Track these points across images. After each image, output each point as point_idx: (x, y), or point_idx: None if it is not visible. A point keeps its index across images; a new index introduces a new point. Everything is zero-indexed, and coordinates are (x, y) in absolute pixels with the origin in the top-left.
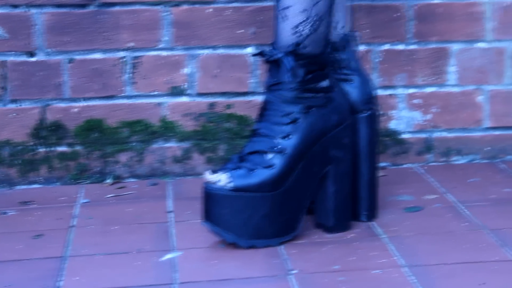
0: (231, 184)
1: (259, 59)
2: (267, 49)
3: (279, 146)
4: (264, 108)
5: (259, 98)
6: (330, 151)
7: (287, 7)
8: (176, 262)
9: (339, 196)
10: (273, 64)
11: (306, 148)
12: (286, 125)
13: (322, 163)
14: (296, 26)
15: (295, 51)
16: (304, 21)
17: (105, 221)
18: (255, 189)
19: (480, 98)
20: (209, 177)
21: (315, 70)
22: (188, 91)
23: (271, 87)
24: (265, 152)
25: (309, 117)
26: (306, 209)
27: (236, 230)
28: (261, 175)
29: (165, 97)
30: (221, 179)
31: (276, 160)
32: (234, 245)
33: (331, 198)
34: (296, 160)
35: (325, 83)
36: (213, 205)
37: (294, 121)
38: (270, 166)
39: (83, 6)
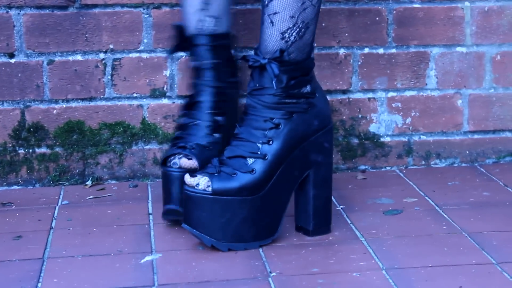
0: (210, 188)
1: (242, 63)
2: (251, 54)
3: (260, 152)
4: (245, 113)
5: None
6: (311, 155)
7: (275, 13)
8: (156, 264)
9: (319, 199)
10: (257, 69)
11: (287, 153)
12: (268, 130)
13: (303, 167)
14: (283, 32)
15: (280, 58)
16: (291, 27)
17: (85, 223)
18: (234, 193)
19: (459, 102)
20: (189, 180)
21: (298, 76)
22: (169, 93)
23: (253, 91)
24: (246, 157)
25: (291, 123)
26: (285, 212)
27: (215, 233)
28: (241, 179)
29: (145, 99)
30: (200, 182)
31: (256, 165)
32: (213, 248)
33: (311, 201)
34: (277, 165)
35: (307, 89)
36: (192, 207)
37: (275, 127)
38: (250, 171)
39: (63, 7)
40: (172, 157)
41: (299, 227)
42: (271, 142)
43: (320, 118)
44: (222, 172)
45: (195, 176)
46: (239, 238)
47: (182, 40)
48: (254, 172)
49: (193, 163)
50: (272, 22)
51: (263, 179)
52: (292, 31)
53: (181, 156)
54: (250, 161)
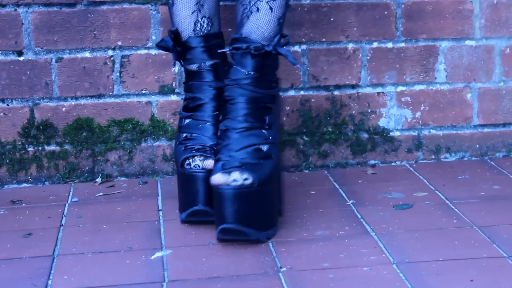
0: (249, 181)
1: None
2: (244, 41)
3: (270, 137)
4: (235, 103)
5: None
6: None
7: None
8: (166, 260)
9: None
10: (257, 57)
11: (279, 135)
12: (267, 116)
13: None
14: (279, 18)
15: (281, 43)
16: (284, 13)
17: (95, 220)
18: (269, 181)
19: (469, 96)
20: (222, 179)
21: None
22: (177, 90)
23: (245, 79)
24: (259, 144)
25: (274, 106)
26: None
27: (259, 224)
28: (268, 166)
29: (154, 96)
30: (236, 178)
31: (272, 151)
32: (223, 243)
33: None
34: (278, 148)
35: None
36: (236, 204)
37: (270, 111)
38: (270, 157)
39: (71, 5)
40: (190, 159)
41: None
42: (272, 127)
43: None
44: (245, 164)
45: (227, 173)
46: (272, 225)
47: (179, 45)
48: (273, 157)
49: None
50: (271, 8)
51: (278, 162)
52: (284, 17)
53: (202, 157)
54: (264, 147)
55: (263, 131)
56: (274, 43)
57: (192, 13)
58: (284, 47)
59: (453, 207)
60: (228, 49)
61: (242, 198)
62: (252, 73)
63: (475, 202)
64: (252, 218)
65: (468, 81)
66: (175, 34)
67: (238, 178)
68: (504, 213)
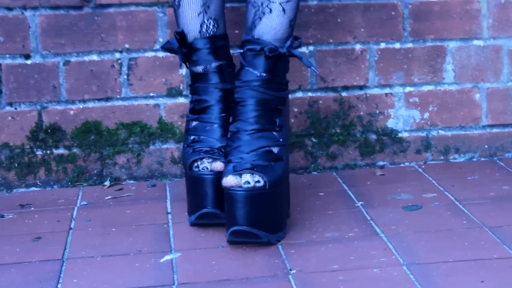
0: (261, 183)
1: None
2: (257, 43)
3: (280, 139)
4: (245, 105)
5: None
6: None
7: (288, 1)
8: (175, 263)
9: None
10: (270, 59)
11: (288, 137)
12: (278, 118)
13: None
14: (291, 20)
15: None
16: (295, 15)
17: (104, 223)
18: (280, 182)
19: (477, 96)
20: (233, 180)
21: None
22: (185, 92)
23: (257, 81)
24: (270, 146)
25: (284, 108)
26: None
27: (270, 227)
28: (279, 168)
29: (162, 98)
30: (248, 179)
31: (282, 153)
32: (232, 246)
33: None
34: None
35: None
36: (248, 206)
37: (281, 113)
38: (281, 159)
39: (78, 8)
40: (198, 161)
41: None
42: (282, 128)
43: None
44: (257, 166)
45: (238, 175)
46: (282, 227)
47: (185, 46)
48: (283, 159)
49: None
50: (284, 9)
51: (288, 164)
52: (295, 19)
53: (210, 160)
54: (275, 149)
55: (274, 133)
56: (287, 45)
57: (198, 14)
58: (297, 49)
59: (462, 208)
60: (241, 51)
61: (253, 200)
62: (264, 75)
63: (484, 203)
64: (264, 220)
65: (476, 81)
66: (181, 36)
67: (249, 180)
68: None
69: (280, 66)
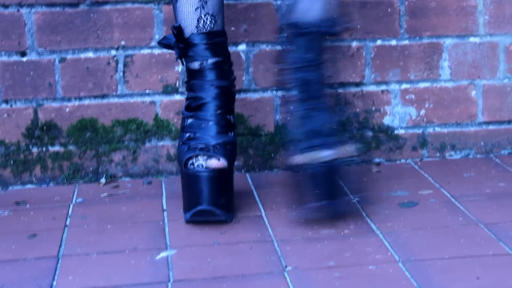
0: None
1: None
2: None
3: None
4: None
5: (253, 96)
6: None
7: None
8: (171, 260)
9: None
10: (315, 41)
11: None
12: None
13: None
14: (327, 3)
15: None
16: None
17: (99, 220)
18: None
19: (473, 93)
20: (297, 159)
21: None
22: (181, 89)
23: (313, 62)
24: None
25: None
26: None
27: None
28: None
29: (158, 96)
30: (323, 155)
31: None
32: (228, 242)
33: None
34: None
35: None
36: (325, 180)
37: None
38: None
39: (74, 5)
40: (194, 159)
41: None
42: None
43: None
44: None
45: (302, 153)
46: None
47: (182, 41)
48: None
49: (222, 163)
50: None
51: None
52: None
53: (205, 157)
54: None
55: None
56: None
57: (196, 9)
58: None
59: (458, 205)
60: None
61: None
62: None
63: (480, 200)
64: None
65: (472, 78)
66: (178, 30)
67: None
68: (510, 210)
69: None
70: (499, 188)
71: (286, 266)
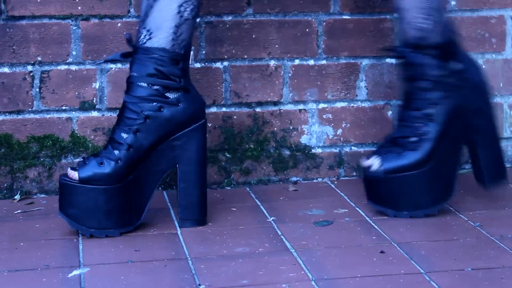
0: (382, 168)
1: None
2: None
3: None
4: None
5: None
6: (473, 121)
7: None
8: (83, 278)
9: (491, 157)
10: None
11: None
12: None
13: (465, 135)
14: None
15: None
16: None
17: (12, 238)
18: (405, 169)
19: (389, 113)
20: (365, 162)
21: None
22: (98, 106)
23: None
24: (410, 137)
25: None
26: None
27: (395, 205)
28: (408, 157)
29: (74, 112)
30: (374, 163)
31: (421, 143)
32: (142, 260)
33: (485, 160)
34: (438, 142)
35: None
36: (371, 187)
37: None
38: (414, 149)
39: None
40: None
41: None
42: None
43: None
44: (390, 153)
45: (371, 157)
46: (417, 206)
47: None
48: (419, 149)
49: (74, 174)
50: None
51: (428, 155)
52: None
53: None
54: (413, 139)
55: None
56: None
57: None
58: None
59: (372, 224)
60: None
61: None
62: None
63: (393, 219)
64: (384, 199)
65: (388, 99)
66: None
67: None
68: (422, 230)
69: None
70: None
71: (199, 285)
